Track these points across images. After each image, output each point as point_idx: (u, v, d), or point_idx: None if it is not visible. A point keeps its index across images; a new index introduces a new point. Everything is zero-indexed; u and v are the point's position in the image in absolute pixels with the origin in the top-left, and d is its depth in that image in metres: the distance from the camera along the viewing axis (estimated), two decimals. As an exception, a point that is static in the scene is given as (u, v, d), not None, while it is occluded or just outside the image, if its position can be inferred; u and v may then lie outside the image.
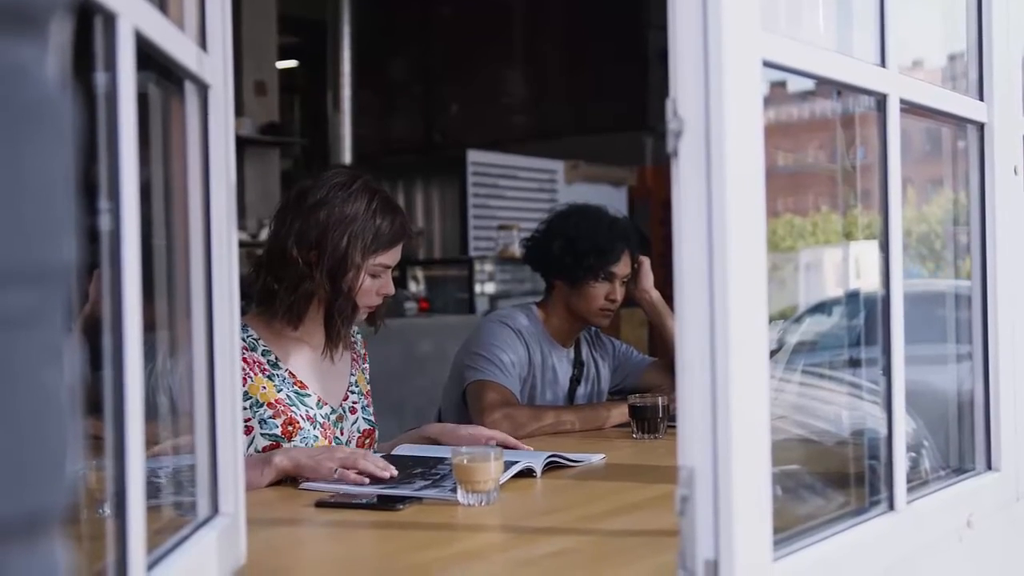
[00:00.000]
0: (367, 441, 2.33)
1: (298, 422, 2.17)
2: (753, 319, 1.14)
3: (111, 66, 0.93)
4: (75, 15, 0.65)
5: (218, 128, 1.28)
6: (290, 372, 2.22)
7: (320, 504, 1.83)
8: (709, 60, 1.10)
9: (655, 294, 3.00)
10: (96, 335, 0.95)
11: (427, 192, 8.62)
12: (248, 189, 7.46)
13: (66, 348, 0.56)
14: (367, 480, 1.92)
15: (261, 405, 2.15)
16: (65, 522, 0.57)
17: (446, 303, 7.11)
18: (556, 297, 2.94)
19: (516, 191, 7.98)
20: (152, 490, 1.26)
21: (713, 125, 1.10)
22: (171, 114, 1.25)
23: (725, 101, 1.09)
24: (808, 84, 1.47)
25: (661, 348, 3.38)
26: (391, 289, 2.26)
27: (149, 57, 1.07)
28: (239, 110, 7.30)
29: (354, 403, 2.33)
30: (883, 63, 1.45)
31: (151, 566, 1.03)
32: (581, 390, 2.99)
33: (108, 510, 0.98)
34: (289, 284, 2.17)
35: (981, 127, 1.74)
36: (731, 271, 1.10)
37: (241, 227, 6.92)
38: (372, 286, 2.22)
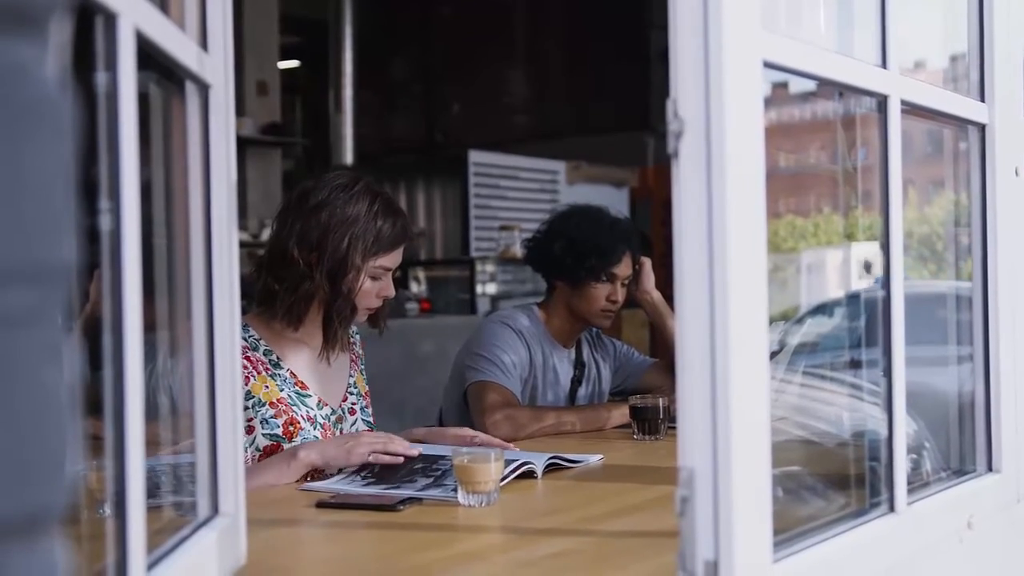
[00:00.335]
0: None
1: (299, 422, 2.18)
2: (753, 320, 1.14)
3: (112, 66, 0.93)
4: (75, 15, 0.65)
5: (219, 128, 1.28)
6: (291, 372, 2.22)
7: (320, 504, 1.83)
8: (709, 60, 1.10)
9: (656, 295, 3.00)
10: (97, 335, 0.95)
11: (428, 192, 8.62)
12: (249, 189, 7.46)
13: (66, 347, 0.56)
14: (401, 460, 2.00)
15: (263, 404, 2.15)
16: (65, 522, 0.57)
17: (447, 304, 7.11)
18: (557, 298, 2.94)
19: (517, 191, 7.98)
20: (152, 490, 1.26)
21: (714, 126, 1.10)
22: (172, 114, 1.25)
23: (725, 102, 1.09)
24: (810, 85, 1.47)
25: (662, 349, 3.38)
26: (391, 291, 2.26)
27: (150, 57, 1.07)
28: (240, 110, 7.30)
29: (353, 404, 2.34)
30: (884, 64, 1.45)
31: (151, 566, 1.03)
32: (582, 391, 2.99)
33: (108, 510, 0.98)
34: (289, 285, 2.18)
35: (982, 128, 1.74)
36: (731, 272, 1.10)
37: (242, 227, 6.93)
38: (372, 288, 2.22)
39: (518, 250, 6.78)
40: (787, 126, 1.75)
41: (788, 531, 1.26)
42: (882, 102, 1.45)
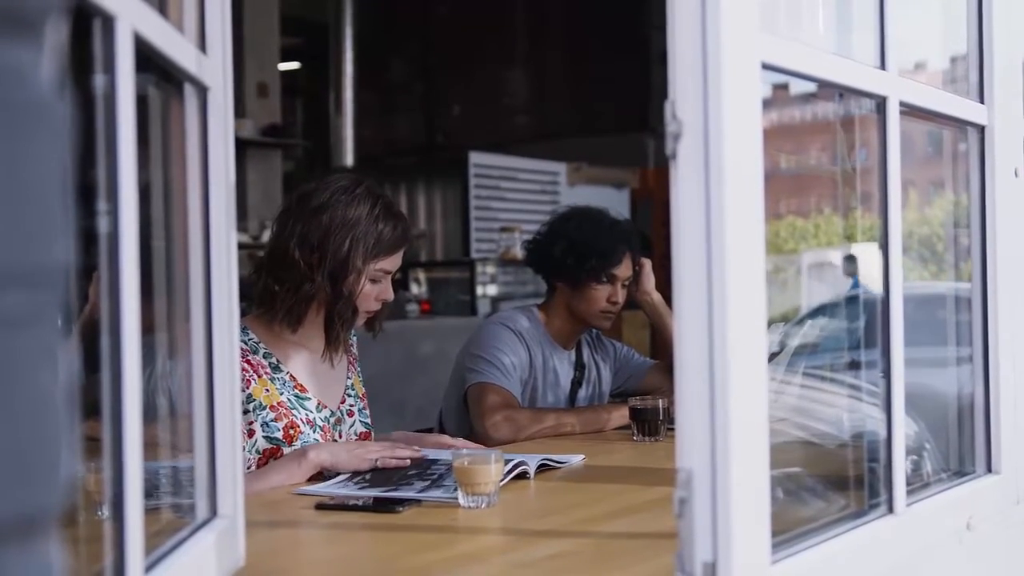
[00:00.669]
0: None
1: (299, 426, 2.18)
2: (751, 321, 1.14)
3: (110, 68, 0.93)
4: (72, 17, 0.65)
5: (217, 130, 1.28)
6: (291, 375, 2.22)
7: (320, 506, 1.83)
8: (708, 62, 1.10)
9: (656, 296, 3.00)
10: (96, 337, 0.95)
11: (429, 194, 8.63)
12: (250, 191, 7.46)
13: (62, 349, 0.56)
14: (408, 462, 2.06)
15: (264, 408, 2.15)
16: (63, 524, 0.57)
17: (448, 305, 7.12)
18: (557, 299, 2.94)
19: (518, 193, 7.98)
20: (151, 492, 1.26)
21: (712, 127, 1.10)
22: (171, 116, 1.25)
23: (724, 103, 1.09)
24: (811, 86, 1.47)
25: (662, 350, 3.38)
26: (390, 295, 2.27)
27: (149, 59, 1.07)
28: (241, 112, 7.31)
29: (351, 406, 2.34)
30: (883, 65, 1.45)
31: (149, 568, 1.03)
32: (582, 392, 2.99)
33: (107, 512, 0.98)
34: (290, 286, 2.18)
35: (981, 130, 1.74)
36: (730, 273, 1.10)
37: (242, 229, 6.93)
38: (372, 291, 2.23)
39: (518, 251, 6.79)
40: (788, 127, 1.76)
41: (787, 532, 1.26)
42: (881, 104, 1.45)
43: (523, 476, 2.04)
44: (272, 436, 2.15)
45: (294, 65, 10.20)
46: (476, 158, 7.85)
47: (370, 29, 9.23)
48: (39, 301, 0.54)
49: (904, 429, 1.47)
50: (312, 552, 1.64)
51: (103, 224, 0.93)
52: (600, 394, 3.04)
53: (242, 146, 7.24)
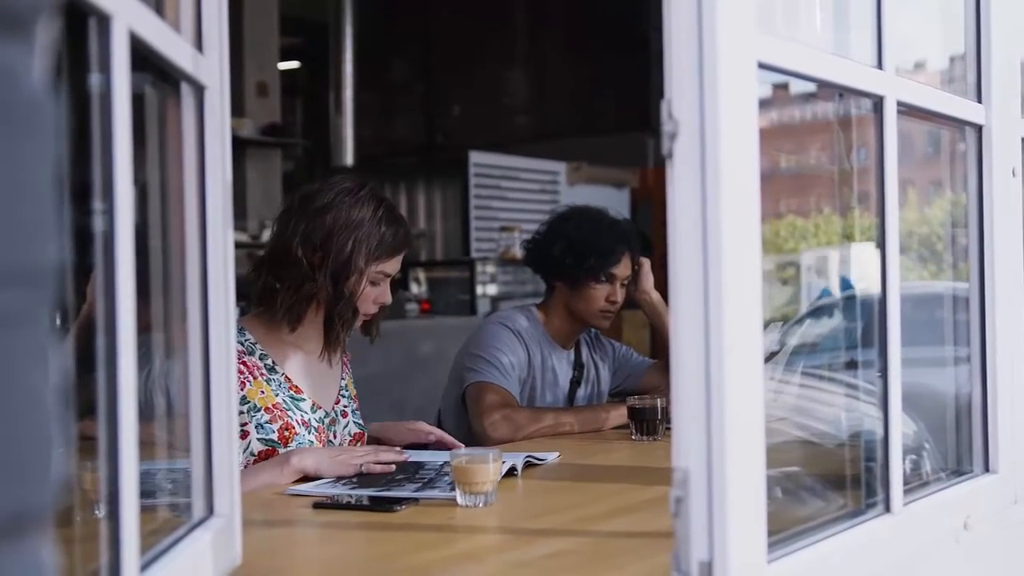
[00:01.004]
0: (358, 444, 2.35)
1: (294, 427, 2.18)
2: (748, 321, 1.14)
3: (105, 68, 0.93)
4: (64, 16, 0.65)
5: (214, 129, 1.28)
6: (286, 376, 2.23)
7: (317, 505, 1.83)
8: (704, 62, 1.10)
9: (655, 295, 3.00)
10: (94, 336, 0.95)
11: (429, 193, 8.63)
12: (249, 190, 7.46)
13: (54, 349, 0.56)
14: (393, 467, 2.06)
15: (258, 410, 2.16)
16: (53, 522, 0.57)
17: (447, 304, 7.12)
18: (556, 299, 2.94)
19: (518, 192, 7.98)
20: (149, 491, 1.26)
21: (708, 127, 1.10)
22: (168, 115, 1.26)
23: (720, 103, 1.09)
24: (811, 85, 1.47)
25: (662, 350, 3.38)
26: (388, 298, 2.28)
27: (145, 58, 1.08)
28: (240, 111, 7.30)
29: (345, 407, 2.35)
30: (880, 65, 1.45)
31: (145, 566, 1.03)
32: (581, 392, 2.99)
33: (104, 510, 0.98)
34: (291, 284, 2.18)
35: (979, 129, 1.74)
36: (726, 273, 1.10)
37: (242, 228, 6.93)
38: (371, 293, 2.23)
39: (518, 251, 6.78)
40: (788, 127, 1.76)
41: (784, 532, 1.26)
42: (878, 103, 1.45)
43: (511, 473, 2.04)
44: (267, 438, 2.15)
45: (294, 64, 10.20)
46: (476, 158, 7.84)
47: (370, 29, 9.23)
48: (31, 300, 0.54)
49: (901, 428, 1.47)
50: (309, 551, 1.65)
51: (99, 223, 0.93)
52: (599, 394, 3.04)
53: (242, 145, 7.23)
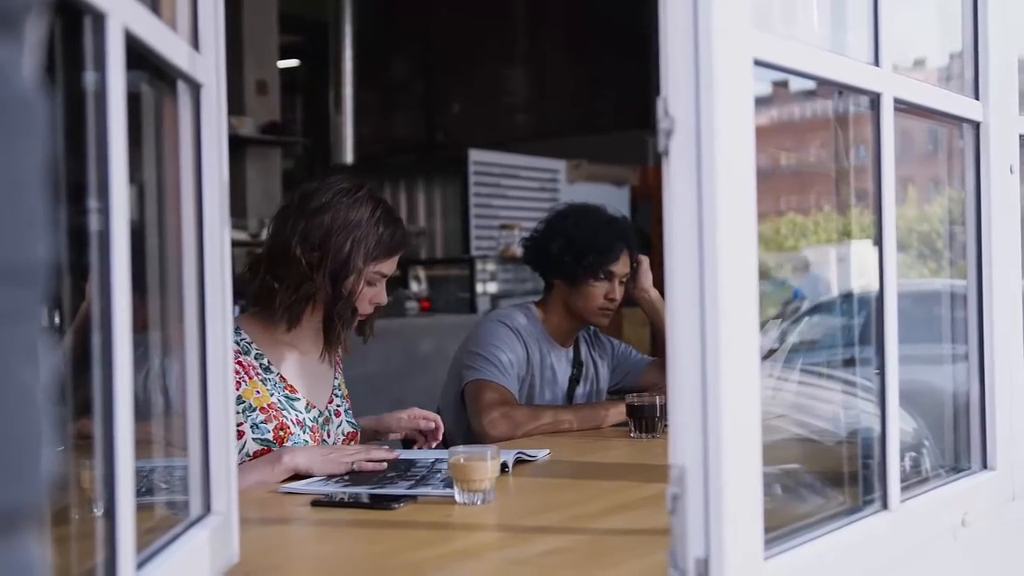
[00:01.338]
0: (351, 443, 2.35)
1: (288, 427, 2.18)
2: (744, 318, 1.14)
3: (100, 66, 0.93)
4: (55, 14, 0.65)
5: (210, 127, 1.28)
6: (281, 376, 2.23)
7: (315, 503, 1.83)
8: (699, 59, 1.10)
9: (654, 293, 3.00)
10: (92, 334, 0.95)
11: (429, 191, 8.62)
12: (249, 188, 7.46)
13: (44, 347, 0.56)
14: (384, 465, 2.06)
15: (254, 409, 2.16)
16: (46, 520, 0.57)
17: (447, 302, 7.12)
18: (555, 296, 2.94)
19: (518, 190, 7.97)
20: (146, 488, 1.26)
21: (704, 125, 1.10)
22: (164, 113, 1.26)
23: (715, 100, 1.09)
24: (811, 83, 1.47)
25: (661, 347, 3.37)
26: (384, 299, 2.29)
27: (142, 56, 1.08)
28: (240, 109, 7.30)
29: (338, 406, 2.35)
30: (877, 62, 1.45)
31: (142, 564, 1.03)
32: (580, 390, 2.99)
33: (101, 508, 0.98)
34: (290, 284, 2.18)
35: (977, 126, 1.74)
36: (722, 270, 1.10)
37: (242, 227, 6.92)
38: (367, 294, 2.24)
39: (518, 249, 6.77)
40: (788, 124, 1.76)
41: (781, 528, 1.26)
42: (875, 100, 1.45)
43: (503, 470, 2.05)
44: (263, 438, 2.15)
45: (294, 63, 10.20)
46: (476, 156, 7.84)
47: (370, 27, 9.23)
48: (22, 298, 0.54)
49: (898, 425, 1.47)
50: (306, 549, 1.65)
51: (94, 222, 0.93)
52: (598, 391, 3.04)
53: (242, 144, 7.23)
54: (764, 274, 1.21)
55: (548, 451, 2.31)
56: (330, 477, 2.02)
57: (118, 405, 0.93)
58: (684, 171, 1.11)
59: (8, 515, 0.52)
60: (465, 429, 2.76)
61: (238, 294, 1.58)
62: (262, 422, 2.16)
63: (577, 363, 3.00)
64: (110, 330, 0.93)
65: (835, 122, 1.68)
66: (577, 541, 1.60)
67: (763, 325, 1.21)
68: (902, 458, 1.56)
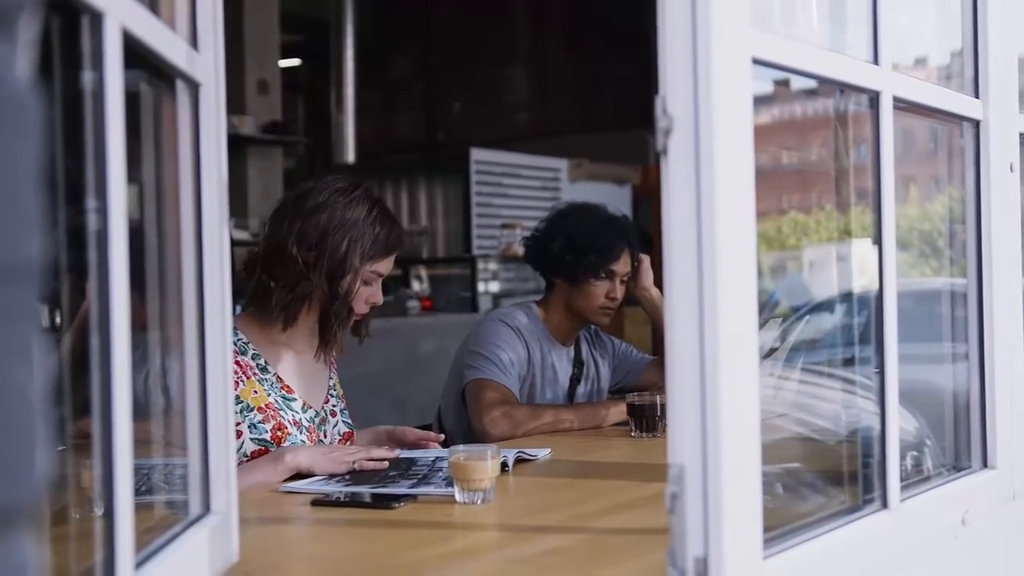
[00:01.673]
0: (347, 443, 2.35)
1: (286, 427, 2.19)
2: (743, 317, 1.14)
3: (98, 65, 0.93)
4: (53, 13, 0.65)
5: (209, 126, 1.28)
6: (277, 376, 2.23)
7: (316, 503, 1.83)
8: (698, 58, 1.10)
9: (655, 292, 3.00)
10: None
11: (430, 191, 8.61)
12: (251, 188, 7.45)
13: (38, 346, 0.56)
14: (386, 464, 2.07)
15: (251, 409, 2.16)
16: (41, 519, 0.57)
17: (449, 302, 7.12)
18: (556, 296, 2.94)
19: (519, 189, 7.97)
20: (147, 488, 1.26)
21: (702, 123, 1.10)
22: (163, 112, 1.26)
23: (714, 99, 1.09)
24: (813, 82, 1.47)
25: (663, 347, 3.37)
26: (380, 299, 2.30)
27: (141, 55, 1.08)
28: (242, 109, 7.30)
29: (334, 407, 2.36)
30: (876, 61, 1.44)
31: (140, 563, 1.03)
32: (581, 389, 2.99)
33: (102, 507, 0.98)
34: (286, 283, 2.18)
35: (977, 124, 1.74)
36: (721, 269, 1.10)
37: (243, 226, 6.92)
38: (363, 294, 2.24)
39: (520, 248, 6.77)
40: (790, 123, 1.75)
41: (780, 527, 1.26)
42: (874, 98, 1.45)
43: (503, 469, 2.05)
44: (260, 438, 2.15)
45: (295, 62, 10.19)
46: (477, 155, 7.83)
47: (371, 26, 9.22)
48: (15, 297, 0.54)
49: (898, 424, 1.47)
50: (306, 548, 1.65)
51: (92, 222, 0.93)
52: (599, 391, 3.04)
53: (243, 143, 7.23)
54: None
55: (549, 450, 2.31)
56: (332, 476, 2.02)
57: (116, 404, 0.93)
58: (683, 170, 1.11)
59: (2, 515, 0.52)
60: (466, 428, 2.76)
61: (238, 293, 1.57)
62: (260, 422, 2.16)
63: (578, 362, 3.00)
64: (108, 330, 0.93)
65: (837, 120, 1.68)
66: (577, 540, 1.60)
67: (762, 325, 1.21)
68: (904, 457, 1.56)
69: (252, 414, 2.16)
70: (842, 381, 1.88)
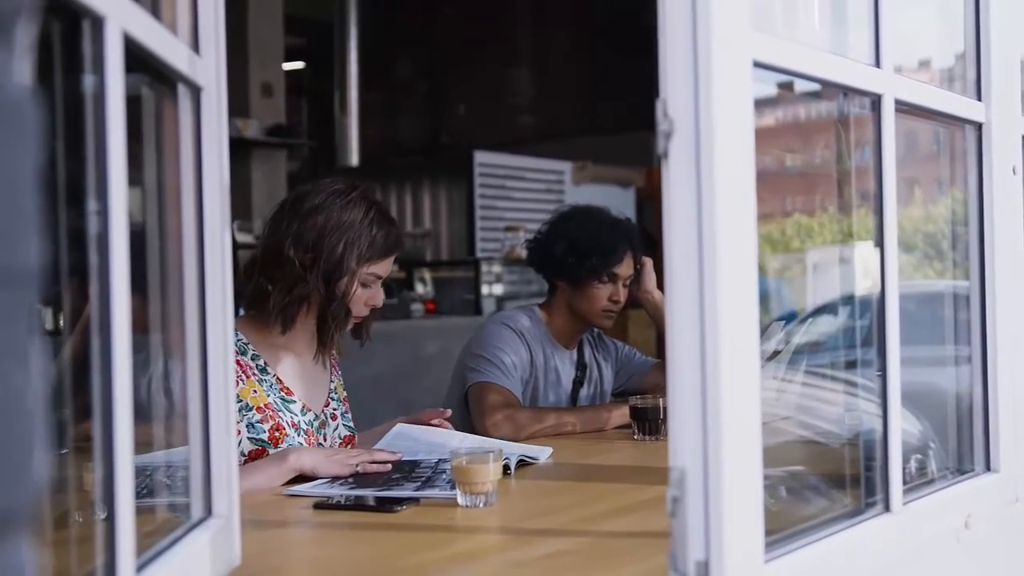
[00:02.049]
0: (348, 447, 2.35)
1: (284, 428, 2.19)
2: (744, 320, 1.14)
3: (99, 69, 0.94)
4: (53, 17, 0.65)
5: (211, 130, 1.28)
6: (277, 378, 2.23)
7: (318, 506, 1.83)
8: (698, 61, 1.10)
9: (658, 295, 2.99)
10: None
11: (434, 193, 8.62)
12: (255, 191, 7.46)
13: (35, 350, 0.56)
14: (389, 467, 2.06)
15: (250, 409, 2.16)
16: (36, 523, 0.57)
17: (453, 304, 7.11)
18: (559, 298, 2.93)
19: (523, 192, 7.97)
20: (148, 492, 1.26)
21: (703, 126, 1.10)
22: (165, 116, 1.26)
23: (715, 102, 1.09)
24: (815, 84, 1.47)
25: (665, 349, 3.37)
26: (379, 301, 2.29)
27: (142, 59, 1.08)
28: (245, 112, 7.31)
29: (334, 410, 2.36)
30: (878, 63, 1.44)
31: (142, 567, 1.03)
32: (584, 392, 2.99)
33: (104, 511, 0.98)
34: (283, 286, 2.19)
35: (979, 127, 1.73)
36: (721, 272, 1.10)
37: (247, 229, 6.92)
38: (362, 296, 2.24)
39: (523, 251, 6.77)
40: (794, 125, 1.75)
41: (782, 531, 1.26)
42: (876, 101, 1.45)
43: (504, 471, 2.05)
44: (257, 438, 2.15)
45: (299, 65, 10.19)
46: (481, 157, 7.84)
47: (374, 29, 9.23)
48: (12, 301, 0.54)
49: (900, 427, 1.46)
50: (308, 551, 1.65)
51: (93, 225, 0.93)
52: (602, 393, 3.04)
53: (247, 146, 7.23)
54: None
55: (551, 449, 2.31)
56: (335, 479, 2.02)
57: (117, 407, 0.93)
58: (683, 173, 1.11)
59: (1, 518, 0.52)
60: (469, 431, 2.75)
61: (239, 296, 1.58)
62: (258, 422, 2.16)
63: (581, 365, 2.99)
64: (109, 333, 0.93)
65: (840, 123, 1.68)
66: (579, 544, 1.59)
67: (764, 329, 1.20)
68: (907, 460, 1.56)
69: (251, 413, 2.16)
70: (845, 384, 1.87)
